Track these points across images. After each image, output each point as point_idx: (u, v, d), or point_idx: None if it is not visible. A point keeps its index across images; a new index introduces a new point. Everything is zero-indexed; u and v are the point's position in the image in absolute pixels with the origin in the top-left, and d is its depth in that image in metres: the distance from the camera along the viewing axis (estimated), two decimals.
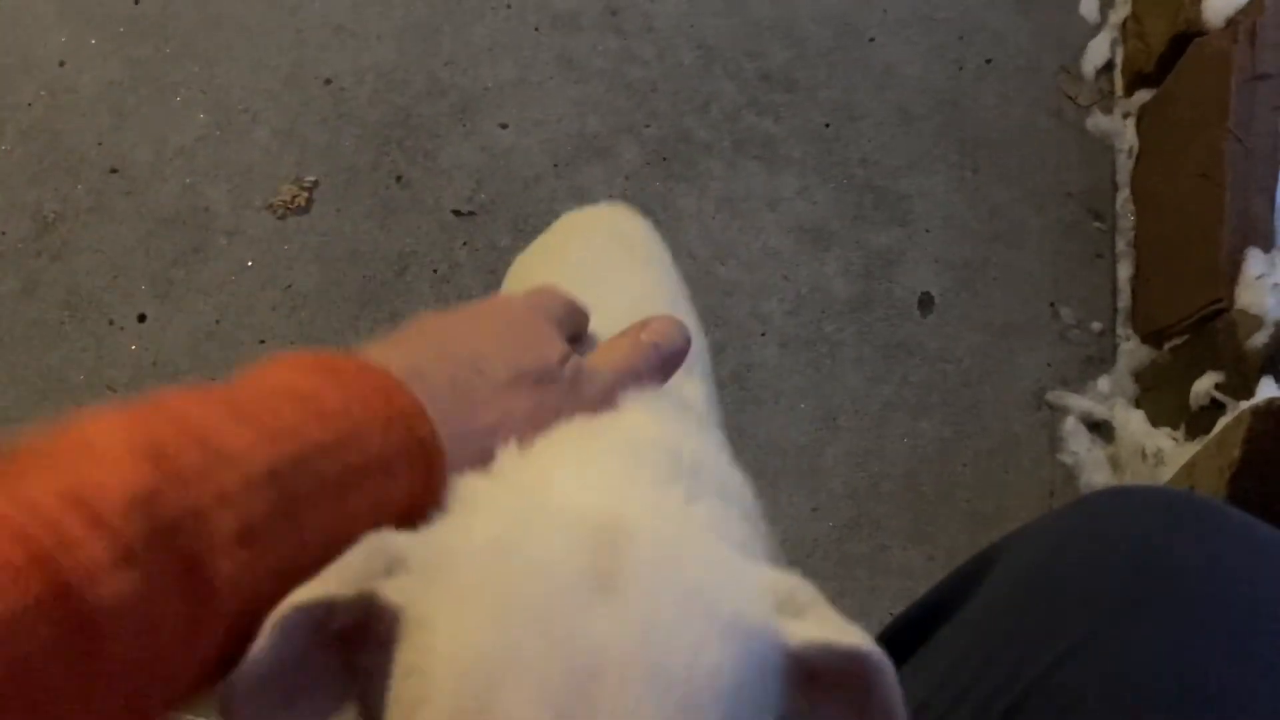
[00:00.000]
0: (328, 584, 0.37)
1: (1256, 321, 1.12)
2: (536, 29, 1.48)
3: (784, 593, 0.39)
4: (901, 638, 0.58)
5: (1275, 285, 1.13)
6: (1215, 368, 1.14)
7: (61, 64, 1.39)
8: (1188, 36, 1.38)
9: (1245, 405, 1.02)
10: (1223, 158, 1.23)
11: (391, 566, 0.38)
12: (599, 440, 0.47)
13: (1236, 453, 0.95)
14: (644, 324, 0.53)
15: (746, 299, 1.34)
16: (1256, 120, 1.24)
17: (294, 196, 1.34)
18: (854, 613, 0.39)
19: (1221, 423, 1.06)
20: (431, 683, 0.35)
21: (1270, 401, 0.97)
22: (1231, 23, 1.31)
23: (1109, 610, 0.47)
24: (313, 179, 1.36)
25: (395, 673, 0.37)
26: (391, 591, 0.37)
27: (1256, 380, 1.06)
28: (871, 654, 0.37)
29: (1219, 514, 0.50)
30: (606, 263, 0.76)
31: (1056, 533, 0.54)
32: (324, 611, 0.37)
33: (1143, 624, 0.45)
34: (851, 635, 0.38)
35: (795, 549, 1.21)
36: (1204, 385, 1.14)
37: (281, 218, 1.34)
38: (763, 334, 1.32)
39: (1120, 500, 0.53)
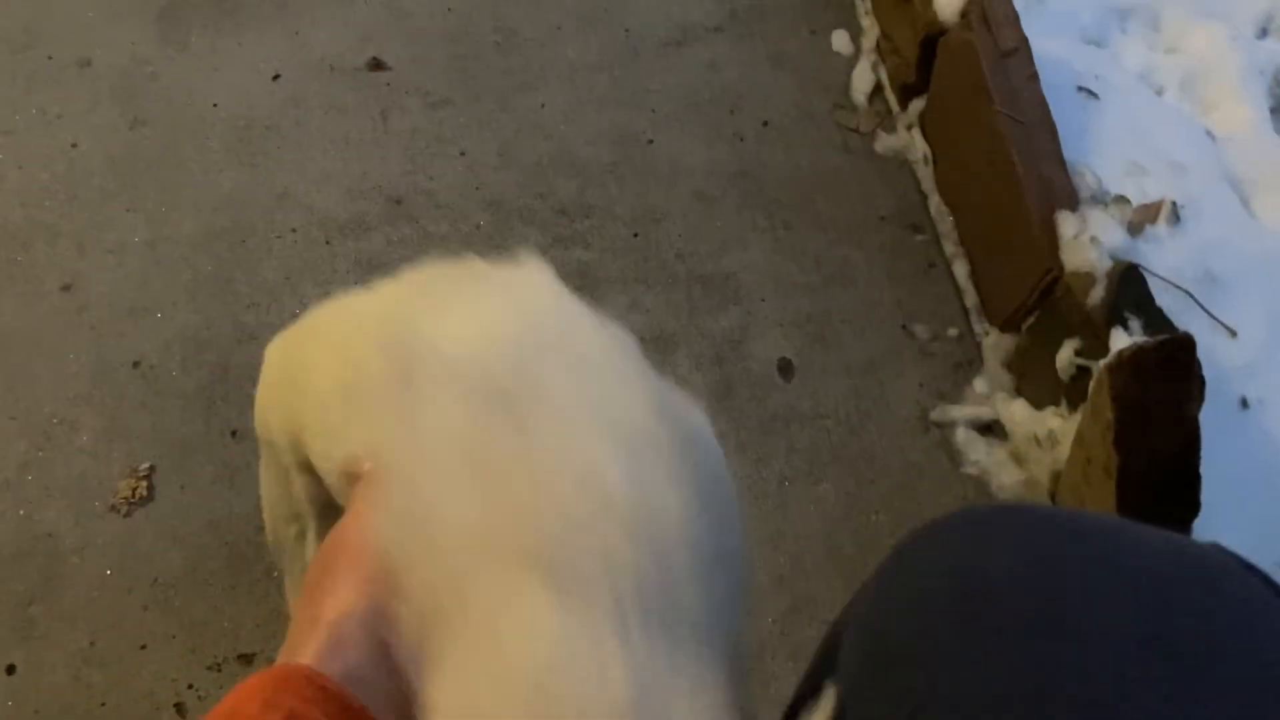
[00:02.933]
0: None
1: (1089, 279, 1.12)
2: (328, 243, 1.46)
3: None
4: None
5: (1093, 239, 1.13)
6: (1070, 335, 1.14)
7: None
8: (933, 38, 1.41)
9: (1102, 364, 1.00)
10: (1003, 138, 1.25)
11: None
12: None
13: (1110, 413, 0.94)
14: None
15: None
16: (1019, 94, 1.26)
17: (134, 489, 1.29)
18: None
19: (1091, 386, 1.04)
20: None
21: (1120, 354, 0.95)
22: (965, 13, 1.34)
23: (940, 644, 0.43)
24: (148, 465, 1.30)
25: None
26: None
27: (1108, 335, 1.05)
28: None
29: (1021, 516, 0.48)
30: None
31: (877, 592, 0.51)
32: None
33: (972, 649, 0.42)
34: None
35: (744, 658, 1.16)
36: (1065, 355, 1.13)
37: (127, 514, 1.28)
38: None
39: (925, 537, 0.51)
